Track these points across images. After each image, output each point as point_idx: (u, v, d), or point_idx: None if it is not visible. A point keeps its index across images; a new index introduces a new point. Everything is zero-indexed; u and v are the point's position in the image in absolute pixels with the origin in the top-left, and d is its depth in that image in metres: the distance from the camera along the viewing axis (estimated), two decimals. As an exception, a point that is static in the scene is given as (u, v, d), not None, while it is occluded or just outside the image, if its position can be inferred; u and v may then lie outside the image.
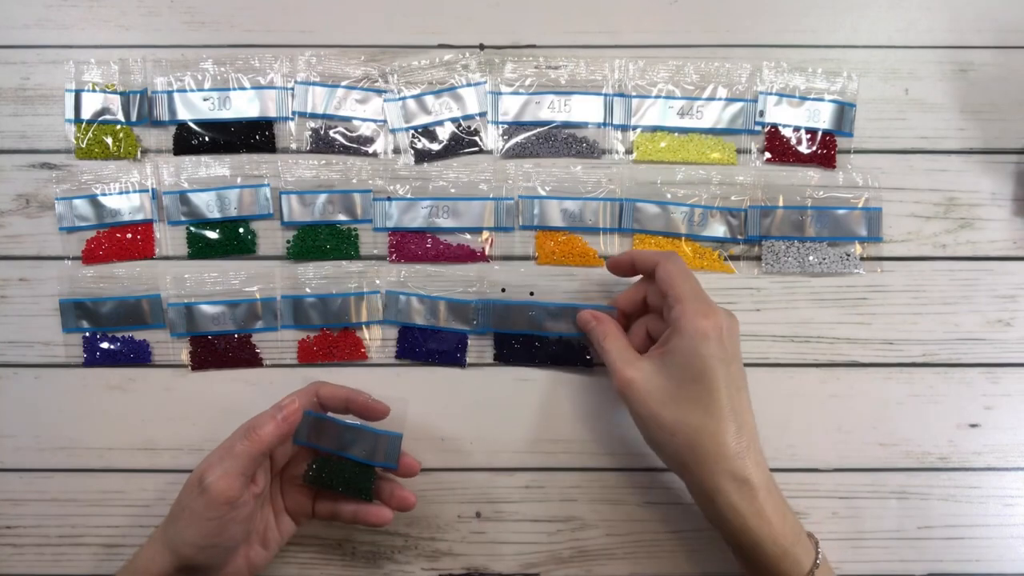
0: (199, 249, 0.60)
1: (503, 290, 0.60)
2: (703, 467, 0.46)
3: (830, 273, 0.60)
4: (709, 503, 0.47)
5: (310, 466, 0.54)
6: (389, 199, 0.60)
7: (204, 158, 0.60)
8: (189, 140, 0.60)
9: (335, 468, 0.53)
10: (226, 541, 0.49)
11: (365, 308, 0.60)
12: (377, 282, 0.60)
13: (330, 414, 0.54)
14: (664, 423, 0.47)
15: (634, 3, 0.61)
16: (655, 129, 0.61)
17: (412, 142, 0.61)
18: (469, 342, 0.60)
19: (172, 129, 0.61)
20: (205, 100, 0.60)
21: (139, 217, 0.60)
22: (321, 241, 0.60)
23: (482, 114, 0.61)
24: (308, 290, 0.60)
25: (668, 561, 0.59)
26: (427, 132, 0.61)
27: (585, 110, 0.60)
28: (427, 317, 0.60)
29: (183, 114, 0.60)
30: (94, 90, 0.60)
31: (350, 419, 0.55)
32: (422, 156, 0.61)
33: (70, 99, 0.60)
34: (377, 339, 0.60)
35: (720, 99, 0.61)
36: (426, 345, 0.60)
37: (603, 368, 0.60)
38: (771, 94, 0.61)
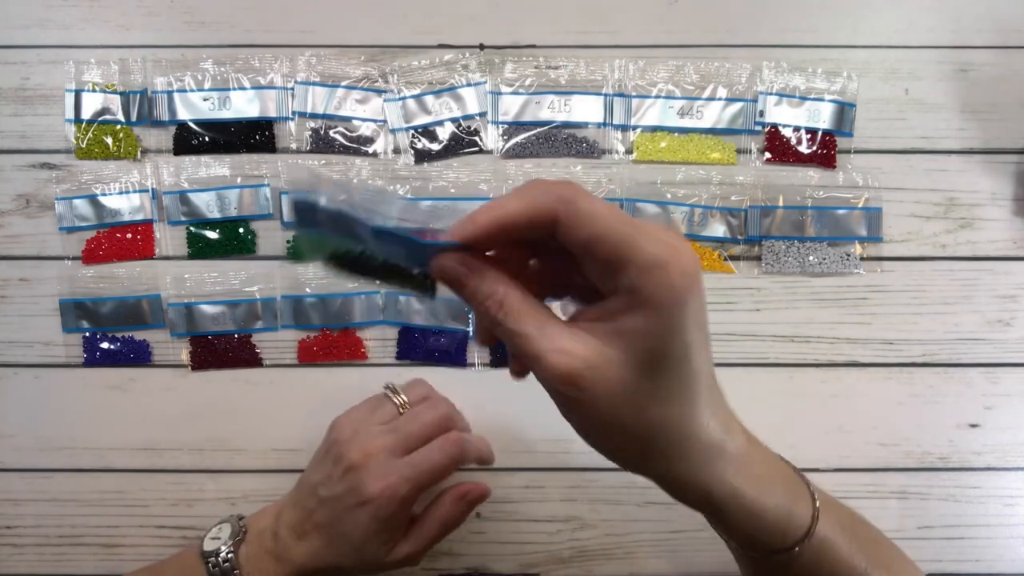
0: (199, 249, 0.60)
1: None
2: (684, 462, 0.34)
3: (830, 273, 0.60)
4: (702, 497, 0.35)
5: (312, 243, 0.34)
6: (389, 199, 0.60)
7: (204, 158, 0.60)
8: (189, 140, 0.60)
9: (365, 256, 0.35)
10: None
11: (365, 308, 0.60)
12: (377, 282, 0.60)
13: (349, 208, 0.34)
14: (627, 423, 0.33)
15: (634, 3, 0.61)
16: (655, 129, 0.61)
17: (412, 142, 0.61)
18: (469, 342, 0.60)
19: (172, 129, 0.61)
20: (205, 100, 0.60)
21: (139, 217, 0.60)
22: (321, 241, 0.60)
23: (482, 114, 0.61)
24: (308, 290, 0.60)
25: (668, 561, 0.59)
26: (427, 132, 0.61)
27: (585, 110, 0.60)
28: (427, 317, 0.60)
29: (183, 114, 0.60)
30: (94, 90, 0.60)
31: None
32: (422, 156, 0.61)
33: (70, 99, 0.60)
34: (377, 339, 0.60)
35: (720, 99, 0.61)
36: (426, 345, 0.60)
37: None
38: (771, 94, 0.60)
